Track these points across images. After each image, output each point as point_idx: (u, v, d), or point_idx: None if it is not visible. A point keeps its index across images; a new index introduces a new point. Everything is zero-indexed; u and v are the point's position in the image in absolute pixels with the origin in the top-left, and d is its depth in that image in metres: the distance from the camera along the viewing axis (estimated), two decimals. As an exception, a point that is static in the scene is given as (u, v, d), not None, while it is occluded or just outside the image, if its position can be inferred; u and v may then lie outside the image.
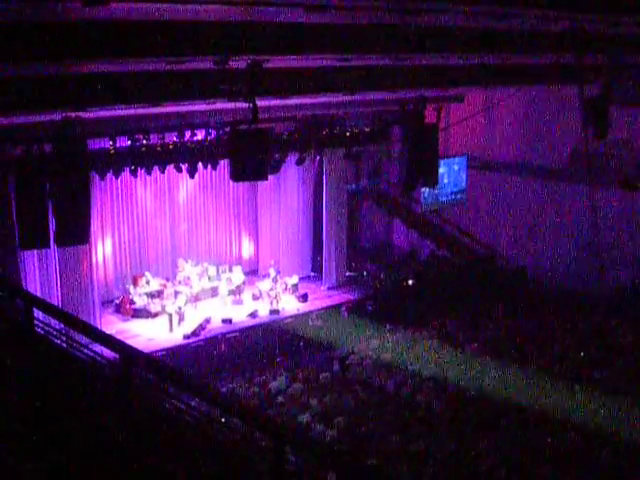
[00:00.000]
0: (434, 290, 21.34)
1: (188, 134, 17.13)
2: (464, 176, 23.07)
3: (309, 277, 22.83)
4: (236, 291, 20.36)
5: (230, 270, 21.23)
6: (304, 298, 20.48)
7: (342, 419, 13.06)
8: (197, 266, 20.93)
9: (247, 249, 23.32)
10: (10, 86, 10.38)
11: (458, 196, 23.21)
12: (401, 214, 24.92)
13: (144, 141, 16.45)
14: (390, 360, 16.14)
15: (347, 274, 22.62)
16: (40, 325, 7.62)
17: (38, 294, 15.40)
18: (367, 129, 20.97)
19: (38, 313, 7.77)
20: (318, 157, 21.70)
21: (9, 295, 8.64)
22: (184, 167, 17.61)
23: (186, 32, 8.58)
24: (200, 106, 15.39)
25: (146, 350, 15.02)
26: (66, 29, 7.82)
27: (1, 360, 7.18)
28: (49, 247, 14.98)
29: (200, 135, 17.41)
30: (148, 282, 19.93)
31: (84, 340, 7.31)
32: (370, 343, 17.62)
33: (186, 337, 17.76)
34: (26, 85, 10.53)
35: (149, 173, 17.46)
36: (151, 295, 19.47)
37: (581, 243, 20.40)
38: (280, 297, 20.02)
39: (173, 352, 17.14)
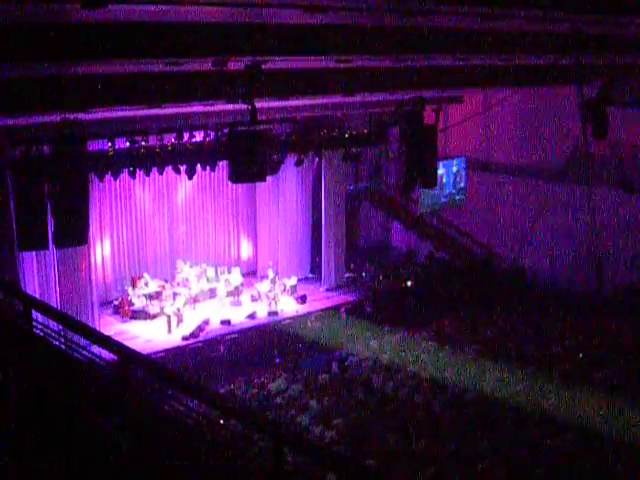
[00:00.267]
0: (433, 291, 21.37)
1: (187, 135, 17.15)
2: (463, 177, 23.09)
3: (308, 278, 22.84)
4: (235, 292, 20.37)
5: (229, 271, 21.24)
6: (303, 299, 20.48)
7: (341, 420, 13.05)
8: (196, 267, 20.94)
9: (246, 250, 23.33)
10: (9, 87, 10.37)
11: (457, 197, 23.23)
12: (400, 215, 24.93)
13: (143, 142, 16.47)
14: (389, 361, 16.13)
15: (346, 275, 22.63)
16: (39, 326, 7.62)
17: (37, 295, 15.40)
18: (366, 130, 20.99)
19: (37, 314, 7.77)
20: (317, 158, 21.72)
21: (8, 296, 8.64)
22: (183, 168, 17.62)
23: (185, 33, 8.57)
24: (199, 107, 15.39)
25: (145, 352, 14.98)
26: (65, 30, 7.81)
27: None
28: (48, 248, 14.97)
29: (199, 136, 17.44)
30: (147, 283, 19.93)
31: (83, 342, 7.31)
32: (369, 344, 17.62)
33: (185, 338, 17.76)
34: (25, 86, 10.52)
35: (148, 174, 17.46)
36: (150, 296, 19.48)
37: (580, 244, 20.41)
38: (279, 298, 20.03)
39: (172, 353, 17.14)
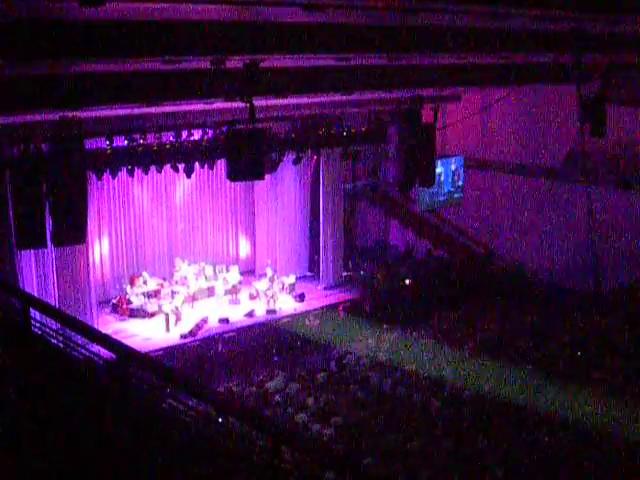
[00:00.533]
0: (431, 289, 21.36)
1: (185, 134, 17.15)
2: (461, 176, 23.10)
3: (306, 277, 22.84)
4: (233, 291, 20.37)
5: (227, 270, 21.24)
6: (301, 298, 20.48)
7: (339, 418, 13.06)
8: (194, 266, 20.94)
9: (244, 249, 23.32)
10: (7, 85, 10.36)
11: (455, 196, 23.24)
12: (398, 214, 24.95)
13: (141, 141, 16.45)
14: (387, 359, 16.13)
15: (344, 274, 22.63)
16: (37, 325, 7.62)
17: (35, 294, 15.39)
18: (364, 129, 20.99)
19: (35, 313, 7.77)
20: (315, 157, 21.72)
21: (6, 295, 8.64)
22: (181, 167, 17.62)
23: (183, 32, 8.57)
24: (197, 106, 15.39)
25: (143, 350, 15.01)
26: (62, 28, 7.81)
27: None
28: (46, 247, 14.95)
29: (197, 135, 17.43)
30: (145, 282, 19.93)
31: (81, 340, 7.31)
32: (367, 342, 17.63)
33: (183, 337, 17.76)
34: (23, 84, 10.51)
35: (146, 173, 17.45)
36: (148, 295, 19.48)
37: (578, 242, 20.42)
38: (277, 297, 20.03)
39: (170, 352, 17.14)
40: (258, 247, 23.16)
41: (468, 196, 23.32)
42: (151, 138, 16.66)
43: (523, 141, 22.41)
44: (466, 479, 11.14)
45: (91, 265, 18.02)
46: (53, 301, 16.61)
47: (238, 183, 20.42)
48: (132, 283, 19.86)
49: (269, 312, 19.53)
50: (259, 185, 21.68)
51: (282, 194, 22.25)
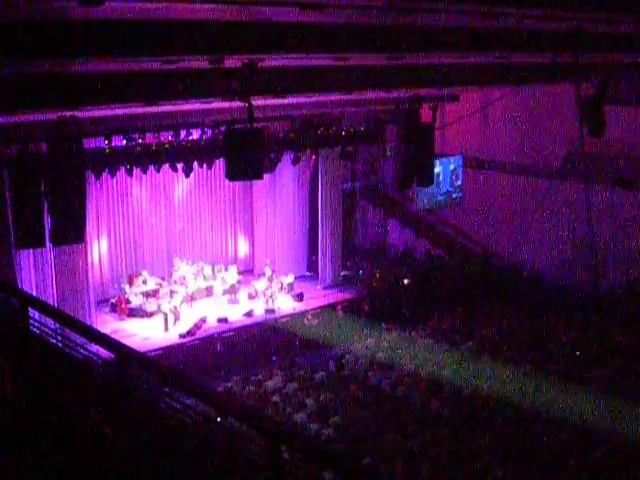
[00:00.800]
0: (430, 289, 21.37)
1: (184, 133, 17.16)
2: (460, 175, 23.09)
3: (305, 276, 22.85)
4: (231, 290, 20.37)
5: (226, 269, 21.25)
6: (300, 297, 20.49)
7: (338, 418, 13.07)
8: (193, 265, 20.94)
9: (243, 248, 23.34)
10: (5, 85, 10.35)
11: (454, 195, 23.24)
12: (396, 213, 24.96)
13: (139, 140, 16.48)
14: (386, 359, 16.14)
15: (342, 273, 22.64)
16: (36, 324, 7.61)
17: (33, 293, 15.39)
18: (363, 128, 21.00)
19: (33, 312, 7.76)
20: (314, 156, 21.73)
21: (4, 294, 8.63)
22: (180, 166, 17.64)
23: (181, 31, 8.56)
24: (196, 105, 15.37)
25: (142, 349, 14.99)
26: (61, 28, 7.80)
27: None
28: (44, 246, 14.95)
29: (196, 134, 17.44)
30: (145, 281, 19.94)
31: (80, 340, 7.31)
32: (366, 342, 17.64)
33: (182, 336, 17.77)
34: (21, 84, 10.50)
35: (145, 172, 17.47)
36: (147, 294, 19.48)
37: (576, 242, 20.42)
38: (276, 296, 20.04)
39: (169, 351, 17.15)
40: (257, 247, 23.17)
41: (467, 196, 23.32)
42: (150, 138, 16.67)
43: (522, 141, 22.42)
44: (466, 479, 11.15)
45: (90, 265, 18.03)
46: (52, 300, 16.61)
47: (237, 183, 20.44)
48: (131, 283, 19.86)
49: (268, 312, 19.53)
50: (258, 185, 21.69)
51: (281, 194, 22.26)
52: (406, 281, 21.65)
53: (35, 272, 16.62)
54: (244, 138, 12.95)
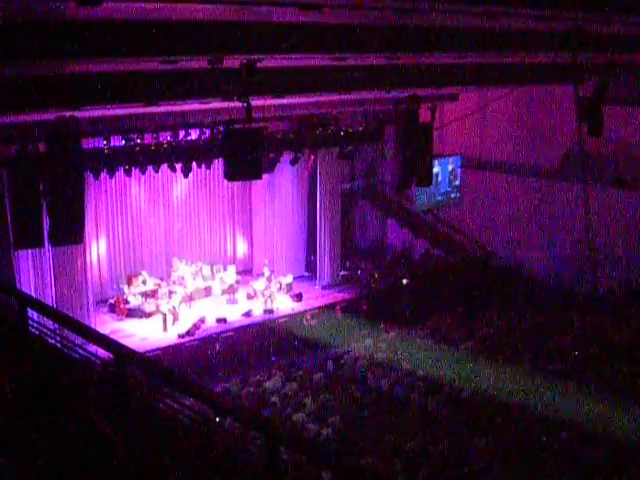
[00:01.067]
0: (428, 289, 21.37)
1: (182, 133, 17.14)
2: (458, 175, 23.11)
3: (303, 276, 22.83)
4: (230, 290, 20.36)
5: (224, 269, 21.24)
6: (298, 297, 20.48)
7: (336, 418, 13.07)
8: (191, 266, 20.93)
9: (241, 248, 23.32)
10: (4, 85, 10.35)
11: (452, 195, 23.25)
12: (395, 213, 24.93)
13: (138, 140, 16.45)
14: (384, 359, 16.15)
15: (341, 273, 22.62)
16: (34, 325, 7.61)
17: (32, 294, 15.38)
18: (361, 128, 20.99)
19: (32, 313, 7.76)
20: (312, 156, 21.72)
21: (3, 295, 8.62)
22: (178, 166, 17.61)
23: (180, 32, 8.56)
24: (194, 105, 15.37)
25: (140, 350, 15.00)
26: (60, 28, 7.80)
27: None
28: (43, 247, 14.95)
29: (194, 134, 17.43)
30: (144, 282, 19.92)
31: (78, 340, 7.30)
32: (364, 342, 17.63)
33: (180, 336, 17.75)
34: (20, 84, 10.49)
35: (143, 172, 17.45)
36: (145, 295, 19.46)
37: (575, 242, 20.42)
38: (274, 296, 20.02)
39: (167, 352, 17.13)
40: (255, 247, 23.16)
41: (465, 196, 23.32)
42: (148, 138, 16.65)
43: (520, 141, 22.42)
44: (466, 479, 11.16)
45: (88, 265, 18.00)
46: (50, 301, 16.60)
47: (235, 183, 20.45)
48: (129, 283, 19.85)
49: (266, 312, 19.52)
50: (256, 185, 21.69)
51: (279, 194, 22.25)
52: (405, 281, 21.65)
53: (34, 272, 16.60)
54: (243, 138, 12.96)
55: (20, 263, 16.25)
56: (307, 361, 17.14)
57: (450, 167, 22.80)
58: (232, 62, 10.30)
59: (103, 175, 16.70)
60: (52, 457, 5.56)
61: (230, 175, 13.47)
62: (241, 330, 18.47)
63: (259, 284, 20.47)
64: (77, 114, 12.85)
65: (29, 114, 13.06)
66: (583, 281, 19.32)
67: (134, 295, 19.35)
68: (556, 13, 9.09)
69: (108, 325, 18.45)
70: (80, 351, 7.10)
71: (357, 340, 18.04)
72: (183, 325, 18.22)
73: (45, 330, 7.61)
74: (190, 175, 18.34)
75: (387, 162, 23.27)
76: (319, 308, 20.16)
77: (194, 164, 17.84)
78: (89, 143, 16.03)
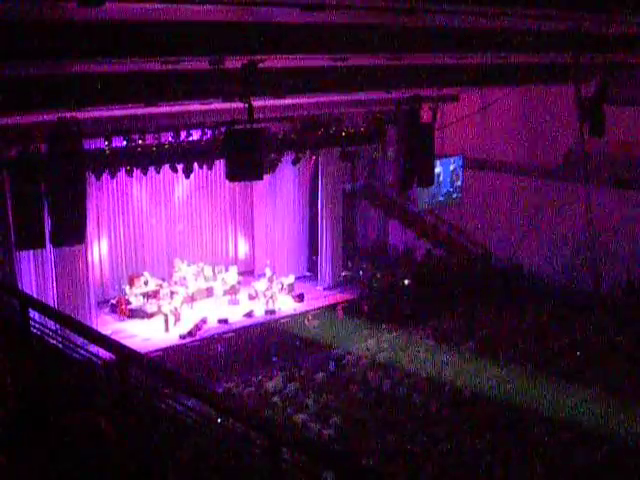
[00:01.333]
0: (430, 289, 21.35)
1: (184, 134, 17.13)
2: (460, 176, 23.09)
3: (305, 277, 22.85)
4: (232, 291, 20.36)
5: (226, 270, 21.25)
6: (300, 298, 20.48)
7: (338, 419, 13.06)
8: (193, 266, 20.94)
9: (243, 249, 23.33)
10: (5, 86, 10.36)
11: (454, 196, 23.23)
12: (397, 214, 24.93)
13: (140, 141, 16.43)
14: (386, 360, 16.13)
15: (343, 274, 22.63)
16: (36, 325, 7.61)
17: (34, 294, 15.38)
18: (363, 129, 20.97)
19: (34, 313, 7.76)
20: (314, 157, 21.72)
21: (5, 295, 8.62)
22: (180, 167, 17.61)
23: (181, 32, 8.57)
24: (196, 106, 15.39)
25: (142, 350, 14.98)
26: (61, 29, 7.81)
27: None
28: (45, 247, 14.95)
29: (196, 135, 17.41)
30: (147, 282, 19.93)
31: (80, 341, 7.30)
32: (366, 343, 17.63)
33: (182, 337, 17.76)
34: (21, 85, 10.51)
35: (145, 173, 17.43)
36: (147, 295, 19.48)
37: (576, 242, 20.41)
38: (276, 297, 20.03)
39: (169, 352, 17.14)
40: (257, 247, 23.17)
41: (467, 196, 23.30)
42: (150, 138, 16.64)
43: (522, 141, 22.39)
44: (466, 479, 11.15)
45: (90, 265, 18.02)
46: (52, 302, 16.62)
47: (237, 183, 20.42)
48: (131, 283, 19.86)
49: (268, 312, 19.52)
50: (258, 185, 21.69)
51: (281, 194, 22.26)
52: (406, 281, 21.64)
53: (35, 273, 16.63)
54: (244, 139, 12.95)
55: (22, 264, 16.28)
56: (309, 361, 17.14)
57: (452, 167, 22.78)
58: (234, 63, 10.31)
59: (105, 176, 16.71)
60: (52, 457, 5.56)
61: (232, 176, 13.46)
62: (243, 331, 18.47)
63: (261, 285, 20.47)
64: (78, 115, 12.86)
65: (30, 115, 13.09)
66: (584, 281, 19.31)
67: (136, 296, 19.36)
68: (557, 13, 9.08)
69: (110, 326, 18.47)
70: (82, 352, 7.10)
71: (359, 340, 18.03)
72: (185, 326, 18.22)
73: (46, 331, 7.61)
74: (192, 176, 18.35)
75: (389, 163, 23.27)
76: (321, 309, 20.16)
77: (196, 165, 17.84)
78: (90, 144, 16.03)
